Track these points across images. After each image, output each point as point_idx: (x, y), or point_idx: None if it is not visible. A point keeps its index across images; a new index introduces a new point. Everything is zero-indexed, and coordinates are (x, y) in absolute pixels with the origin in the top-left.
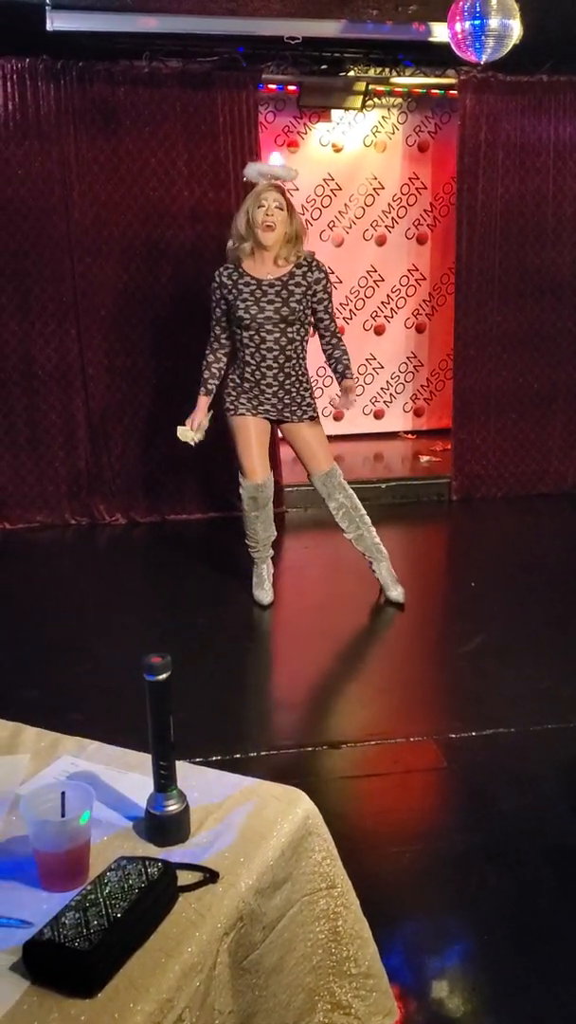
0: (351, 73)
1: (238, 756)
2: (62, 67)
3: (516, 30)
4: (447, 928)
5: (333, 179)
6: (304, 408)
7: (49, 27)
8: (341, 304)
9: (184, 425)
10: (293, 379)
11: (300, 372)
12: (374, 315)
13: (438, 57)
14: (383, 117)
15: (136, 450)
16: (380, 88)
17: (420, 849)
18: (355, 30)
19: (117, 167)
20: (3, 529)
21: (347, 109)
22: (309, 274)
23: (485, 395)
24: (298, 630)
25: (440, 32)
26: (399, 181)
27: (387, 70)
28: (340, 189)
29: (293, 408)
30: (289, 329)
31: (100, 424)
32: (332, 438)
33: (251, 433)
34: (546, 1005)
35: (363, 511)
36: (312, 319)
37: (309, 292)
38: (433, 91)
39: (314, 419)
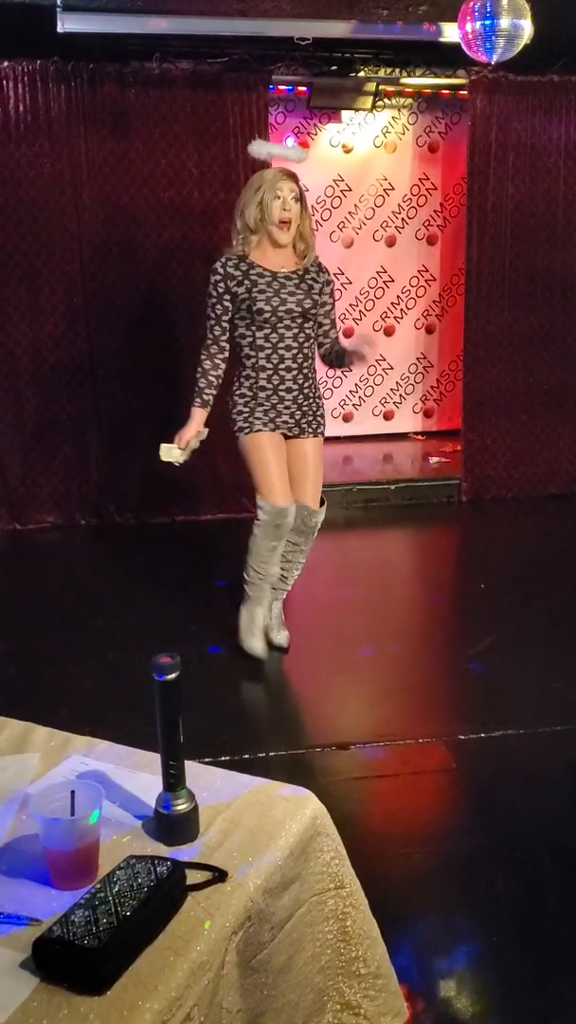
0: (361, 74)
1: (247, 756)
2: (73, 69)
3: (527, 30)
4: (456, 928)
5: (343, 180)
6: (318, 420)
7: (60, 29)
8: (351, 305)
9: (170, 443)
10: (311, 383)
11: (315, 376)
12: (384, 316)
13: (448, 57)
14: (393, 118)
15: (146, 450)
16: (390, 89)
17: (429, 850)
18: (365, 30)
19: (127, 168)
20: (14, 529)
21: (357, 110)
22: (320, 275)
23: (495, 396)
24: (306, 631)
25: (450, 32)
26: (409, 182)
27: (397, 70)
28: (350, 190)
29: (309, 419)
30: (307, 325)
31: (110, 425)
32: (341, 439)
33: (269, 451)
34: (554, 1006)
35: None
36: (317, 329)
37: (323, 293)
38: (443, 91)
39: (320, 436)
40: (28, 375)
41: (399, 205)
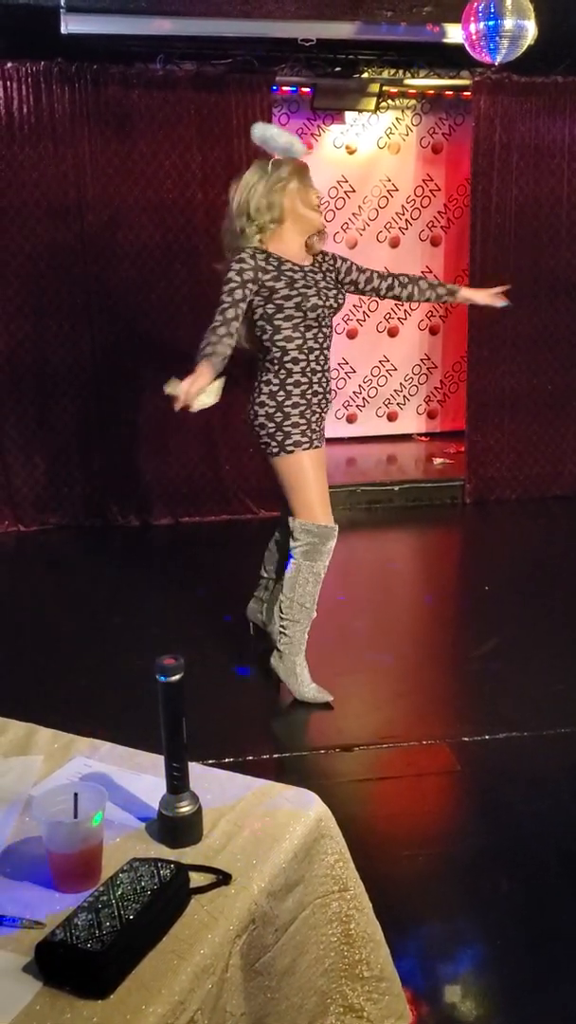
0: (365, 75)
1: (251, 758)
2: (76, 70)
3: (531, 31)
4: (460, 931)
5: (347, 181)
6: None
7: (64, 30)
8: (354, 306)
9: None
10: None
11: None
12: (387, 317)
13: (452, 58)
14: (397, 119)
15: (150, 452)
16: (394, 90)
17: (433, 852)
18: (369, 31)
19: (131, 170)
20: (17, 531)
21: (361, 111)
22: (326, 260)
23: (499, 397)
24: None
25: (454, 33)
26: (413, 183)
27: (401, 72)
28: (354, 191)
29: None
30: (328, 323)
31: (114, 426)
32: (345, 440)
33: (322, 468)
34: (558, 1008)
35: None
36: (364, 287)
37: (340, 276)
38: (447, 93)
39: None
40: (31, 376)
41: (403, 206)
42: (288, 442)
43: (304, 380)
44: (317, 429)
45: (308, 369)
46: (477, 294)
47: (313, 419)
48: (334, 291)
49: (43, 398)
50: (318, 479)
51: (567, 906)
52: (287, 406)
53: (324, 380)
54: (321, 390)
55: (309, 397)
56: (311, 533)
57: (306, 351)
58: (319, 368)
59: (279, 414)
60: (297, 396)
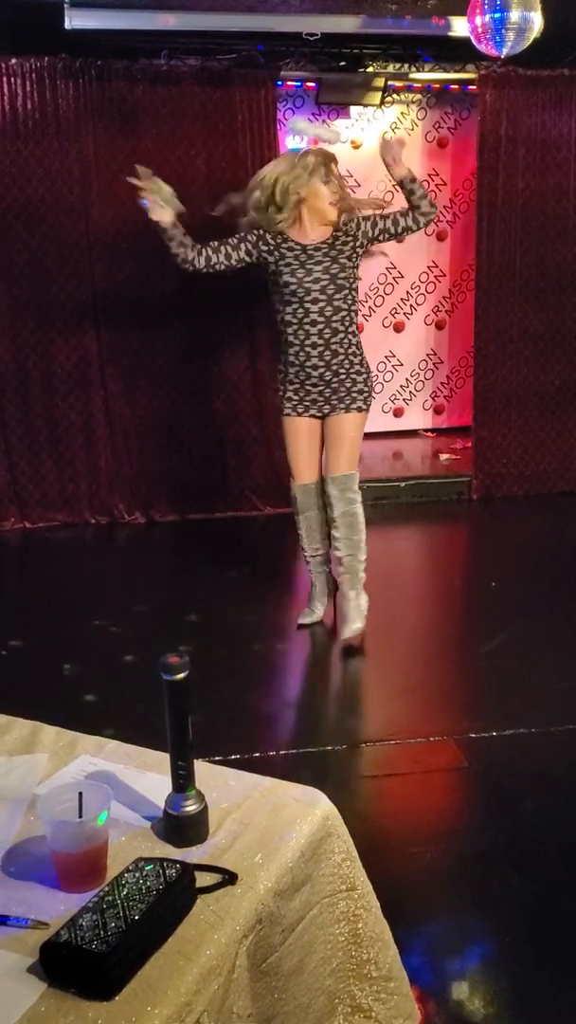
0: (370, 69)
1: (257, 755)
2: (80, 65)
3: (537, 23)
4: (468, 929)
5: (352, 176)
6: (352, 396)
7: (68, 25)
8: (360, 301)
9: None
10: (341, 359)
11: (352, 350)
12: (393, 312)
13: (458, 52)
14: (402, 113)
15: (156, 449)
16: (399, 84)
17: (441, 850)
18: (374, 25)
19: (136, 165)
20: (23, 528)
21: (366, 105)
22: (348, 228)
23: (506, 392)
24: (317, 629)
25: (460, 26)
26: (419, 177)
27: (406, 66)
28: (359, 186)
29: (341, 395)
30: (336, 297)
31: (119, 423)
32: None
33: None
34: (568, 1007)
35: (364, 534)
36: (378, 235)
37: (358, 243)
38: (453, 86)
39: (354, 412)
40: (37, 373)
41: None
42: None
43: (283, 351)
44: (293, 399)
45: (285, 341)
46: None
47: (290, 389)
48: (325, 265)
49: (48, 395)
50: (292, 443)
51: (574, 903)
52: (278, 371)
53: (303, 354)
54: (297, 363)
55: (286, 367)
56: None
57: (284, 324)
58: (296, 342)
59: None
60: (280, 364)
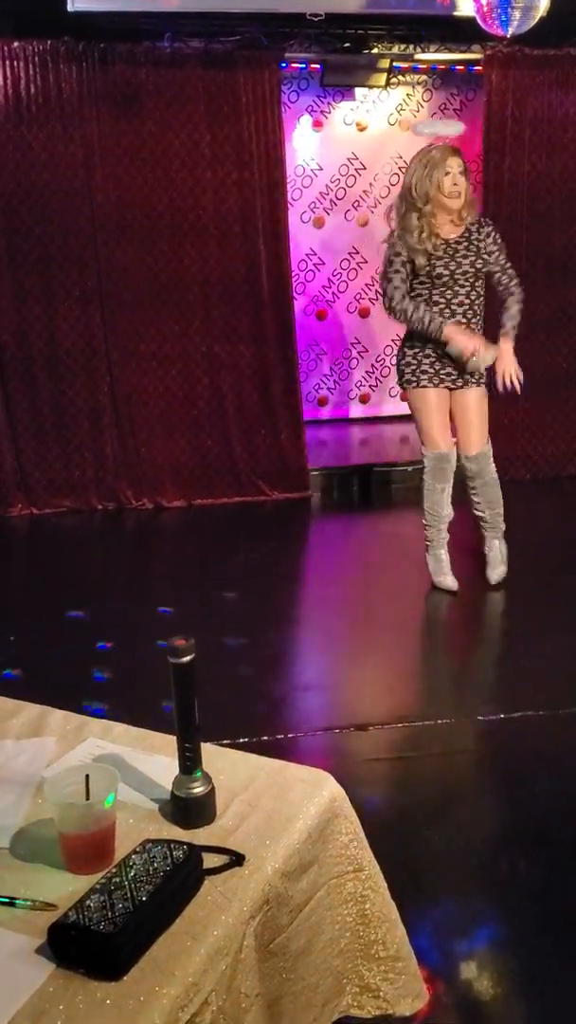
0: (375, 50)
1: (265, 738)
2: (83, 49)
3: (543, 2)
4: (476, 911)
5: (357, 158)
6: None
7: (70, 8)
8: (366, 285)
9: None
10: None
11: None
12: None
13: (463, 32)
14: (408, 95)
15: (162, 434)
16: (404, 65)
17: (449, 832)
18: (378, 5)
19: (140, 149)
20: (31, 514)
21: (371, 87)
22: (482, 230)
23: None
24: (325, 613)
25: (465, 6)
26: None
27: (411, 47)
28: (365, 168)
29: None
30: (478, 284)
31: (126, 408)
32: (359, 421)
33: (432, 404)
34: (574, 989)
35: (500, 492)
36: (493, 279)
37: (484, 251)
38: (459, 67)
39: (482, 386)
40: (43, 359)
41: None
42: (402, 379)
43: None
44: (428, 371)
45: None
46: (503, 358)
47: (425, 362)
48: (471, 259)
49: (55, 381)
50: (425, 413)
51: None
52: (406, 347)
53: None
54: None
55: (424, 344)
56: (425, 456)
57: (431, 304)
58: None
59: (401, 353)
60: (416, 340)
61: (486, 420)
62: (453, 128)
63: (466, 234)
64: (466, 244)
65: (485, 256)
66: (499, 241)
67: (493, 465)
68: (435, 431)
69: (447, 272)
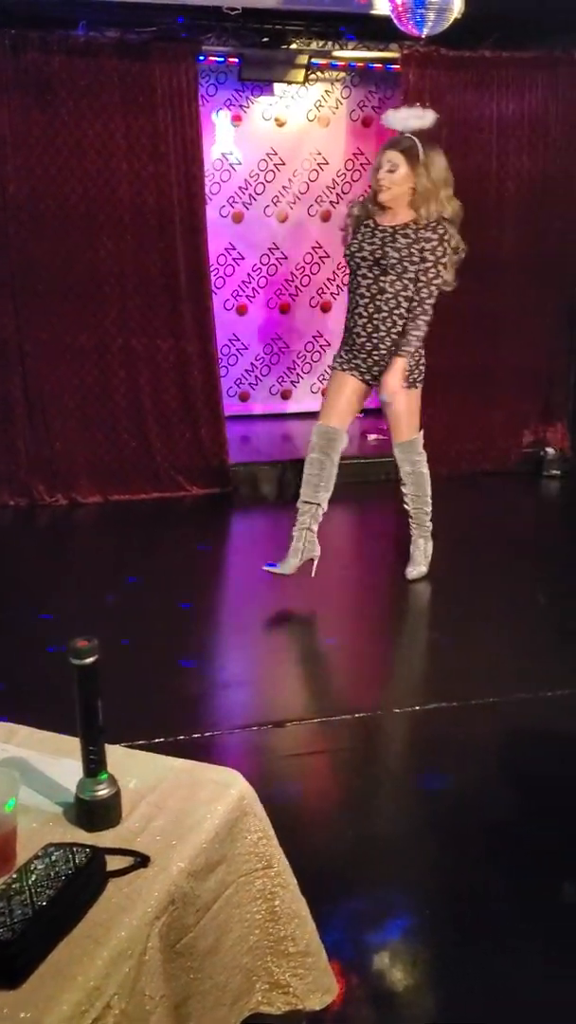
0: (293, 46)
1: (181, 738)
2: None
3: (457, 4)
4: (387, 904)
5: (276, 154)
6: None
7: None
8: (286, 281)
9: None
10: (382, 335)
11: (395, 328)
12: (320, 292)
13: (381, 30)
14: (326, 91)
15: (77, 428)
16: (323, 62)
17: (360, 825)
18: (295, 2)
19: (53, 139)
20: None
21: (290, 83)
22: (422, 232)
23: (429, 374)
24: (241, 608)
25: (382, 5)
26: (343, 156)
27: (329, 43)
28: (284, 164)
29: (383, 366)
30: (383, 278)
31: (39, 402)
32: (281, 417)
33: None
34: (485, 978)
35: (429, 490)
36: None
37: (414, 251)
38: (376, 65)
39: (409, 387)
40: None
41: (333, 180)
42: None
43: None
44: (342, 356)
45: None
46: (391, 374)
47: (342, 349)
48: (375, 246)
49: None
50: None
51: (489, 876)
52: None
53: (351, 320)
54: (350, 325)
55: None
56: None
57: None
58: (349, 308)
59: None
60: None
61: (407, 415)
62: (423, 120)
63: (405, 228)
64: (393, 236)
65: (408, 258)
66: (437, 255)
67: (420, 457)
68: (328, 406)
69: (348, 252)
